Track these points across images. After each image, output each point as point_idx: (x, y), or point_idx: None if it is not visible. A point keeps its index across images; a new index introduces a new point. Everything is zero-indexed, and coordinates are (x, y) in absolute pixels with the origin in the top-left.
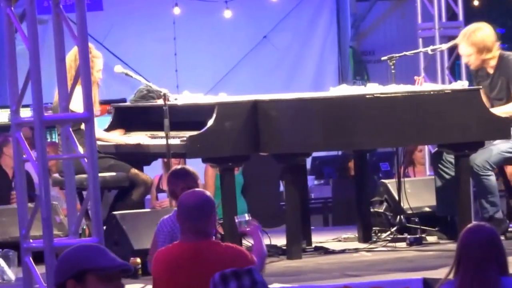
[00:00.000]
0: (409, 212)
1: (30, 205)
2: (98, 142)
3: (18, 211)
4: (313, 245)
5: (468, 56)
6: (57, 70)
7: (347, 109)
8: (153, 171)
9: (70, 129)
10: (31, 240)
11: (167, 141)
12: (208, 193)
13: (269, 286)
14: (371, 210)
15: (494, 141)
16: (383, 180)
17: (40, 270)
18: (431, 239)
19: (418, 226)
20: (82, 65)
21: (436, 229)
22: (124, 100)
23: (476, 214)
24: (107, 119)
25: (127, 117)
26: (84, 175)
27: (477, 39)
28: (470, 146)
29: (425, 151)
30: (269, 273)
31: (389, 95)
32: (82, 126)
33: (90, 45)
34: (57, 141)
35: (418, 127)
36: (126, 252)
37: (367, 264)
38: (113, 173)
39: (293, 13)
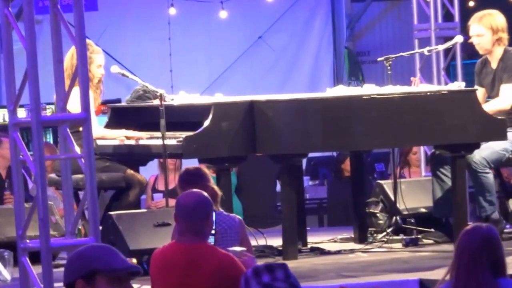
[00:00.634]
0: (405, 213)
1: (26, 205)
2: (99, 142)
3: (15, 212)
4: (309, 246)
5: (479, 36)
6: (54, 70)
7: (344, 110)
8: (149, 172)
9: (68, 130)
10: (27, 241)
11: (163, 141)
12: (206, 194)
13: None
14: (367, 210)
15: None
16: (379, 181)
17: (36, 270)
18: (427, 240)
19: (414, 227)
20: (80, 66)
21: (432, 230)
22: (119, 100)
23: (471, 215)
24: (103, 119)
25: (123, 117)
26: (80, 175)
27: (492, 19)
28: (466, 147)
29: (420, 152)
30: None
31: (386, 96)
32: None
33: (89, 41)
34: (51, 142)
35: (415, 128)
36: (122, 252)
37: (363, 265)
38: (109, 174)
39: (288, 13)
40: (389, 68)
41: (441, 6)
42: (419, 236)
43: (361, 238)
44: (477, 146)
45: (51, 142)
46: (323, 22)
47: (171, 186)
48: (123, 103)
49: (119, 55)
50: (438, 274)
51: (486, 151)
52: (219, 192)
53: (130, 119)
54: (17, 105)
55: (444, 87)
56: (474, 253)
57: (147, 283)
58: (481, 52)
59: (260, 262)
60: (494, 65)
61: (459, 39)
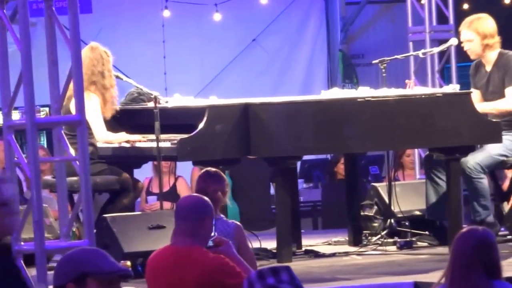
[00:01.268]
0: (400, 215)
1: (21, 207)
2: (98, 144)
3: None
4: (303, 249)
5: (469, 41)
6: (49, 72)
7: (338, 113)
8: (143, 174)
9: (62, 132)
10: (22, 243)
11: (157, 144)
12: (205, 198)
13: None
14: (362, 213)
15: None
16: (373, 184)
17: (30, 272)
18: (421, 242)
19: (409, 230)
20: (74, 69)
21: (426, 233)
22: None
23: (466, 217)
24: None
25: (117, 119)
26: (75, 178)
27: (480, 25)
28: (461, 150)
29: (415, 155)
30: None
31: (380, 98)
32: None
33: (97, 44)
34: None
35: (410, 131)
36: (117, 255)
37: (357, 267)
38: (104, 176)
39: (282, 16)
40: (383, 70)
41: (435, 9)
42: (413, 239)
43: (356, 240)
44: (472, 149)
45: (45, 144)
46: (317, 25)
47: (166, 188)
48: (118, 106)
49: (113, 57)
50: (433, 277)
51: (481, 156)
52: (224, 200)
53: (125, 122)
54: (12, 107)
55: (439, 90)
56: (470, 256)
57: (143, 286)
58: (472, 57)
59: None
60: (488, 68)
61: (453, 41)
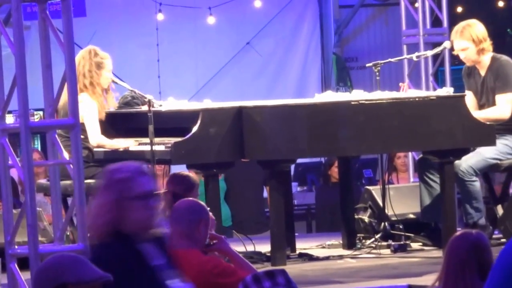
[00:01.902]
0: (394, 218)
1: (15, 211)
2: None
3: (3, 217)
4: (297, 252)
5: (464, 50)
6: (43, 76)
7: (332, 116)
8: None
9: (56, 136)
10: (16, 247)
11: (151, 147)
12: (202, 203)
13: None
14: (355, 216)
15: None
16: (367, 187)
17: (24, 276)
18: (415, 245)
19: (403, 233)
20: (68, 72)
21: (422, 234)
22: None
23: (460, 220)
24: None
25: (111, 123)
26: (69, 181)
27: (472, 31)
28: (454, 153)
29: (409, 158)
30: None
31: (374, 101)
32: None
33: (94, 47)
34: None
35: (403, 134)
36: None
37: (351, 271)
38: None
39: (276, 19)
40: (377, 73)
41: (429, 12)
42: (407, 242)
43: (350, 244)
44: (466, 151)
45: (39, 148)
46: (311, 28)
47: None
48: (111, 109)
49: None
50: (427, 280)
51: (474, 159)
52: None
53: (118, 125)
54: (6, 110)
55: (433, 93)
56: (463, 259)
57: None
58: (468, 64)
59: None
60: (482, 72)
61: (447, 44)
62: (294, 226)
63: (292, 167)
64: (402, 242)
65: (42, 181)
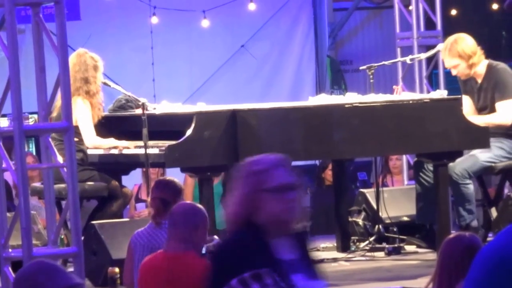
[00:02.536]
0: (388, 221)
1: (9, 214)
2: (88, 151)
3: None
4: None
5: (455, 67)
6: (36, 79)
7: (326, 118)
8: (131, 181)
9: (50, 139)
10: (10, 250)
11: (145, 150)
12: (201, 207)
13: None
14: (350, 219)
15: (473, 150)
16: (361, 190)
17: None
18: (409, 248)
19: (397, 236)
20: (62, 75)
21: (416, 236)
22: None
23: (454, 222)
24: None
25: (105, 126)
26: (63, 185)
27: (459, 48)
28: (449, 155)
29: (403, 161)
30: None
31: (368, 104)
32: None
33: (85, 51)
34: (33, 151)
35: (398, 136)
36: (105, 262)
37: (345, 273)
38: (92, 183)
39: (270, 22)
40: (371, 76)
41: (423, 15)
42: (401, 245)
43: (344, 246)
44: (460, 154)
45: (34, 151)
46: (305, 31)
47: None
48: (106, 112)
49: (103, 63)
50: (421, 282)
51: (468, 162)
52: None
53: (113, 128)
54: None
55: (427, 96)
56: (457, 262)
57: None
58: (462, 78)
59: None
60: (479, 80)
61: (441, 47)
62: None
63: None
64: (396, 245)
65: (36, 184)
